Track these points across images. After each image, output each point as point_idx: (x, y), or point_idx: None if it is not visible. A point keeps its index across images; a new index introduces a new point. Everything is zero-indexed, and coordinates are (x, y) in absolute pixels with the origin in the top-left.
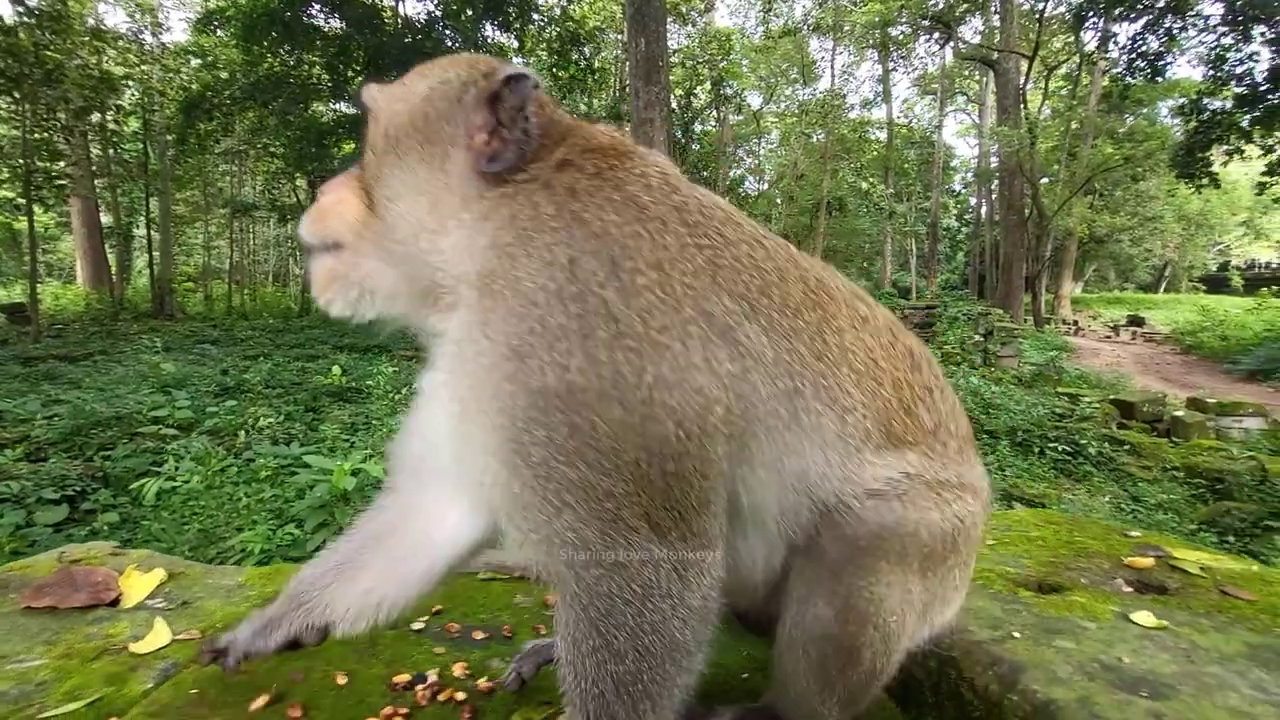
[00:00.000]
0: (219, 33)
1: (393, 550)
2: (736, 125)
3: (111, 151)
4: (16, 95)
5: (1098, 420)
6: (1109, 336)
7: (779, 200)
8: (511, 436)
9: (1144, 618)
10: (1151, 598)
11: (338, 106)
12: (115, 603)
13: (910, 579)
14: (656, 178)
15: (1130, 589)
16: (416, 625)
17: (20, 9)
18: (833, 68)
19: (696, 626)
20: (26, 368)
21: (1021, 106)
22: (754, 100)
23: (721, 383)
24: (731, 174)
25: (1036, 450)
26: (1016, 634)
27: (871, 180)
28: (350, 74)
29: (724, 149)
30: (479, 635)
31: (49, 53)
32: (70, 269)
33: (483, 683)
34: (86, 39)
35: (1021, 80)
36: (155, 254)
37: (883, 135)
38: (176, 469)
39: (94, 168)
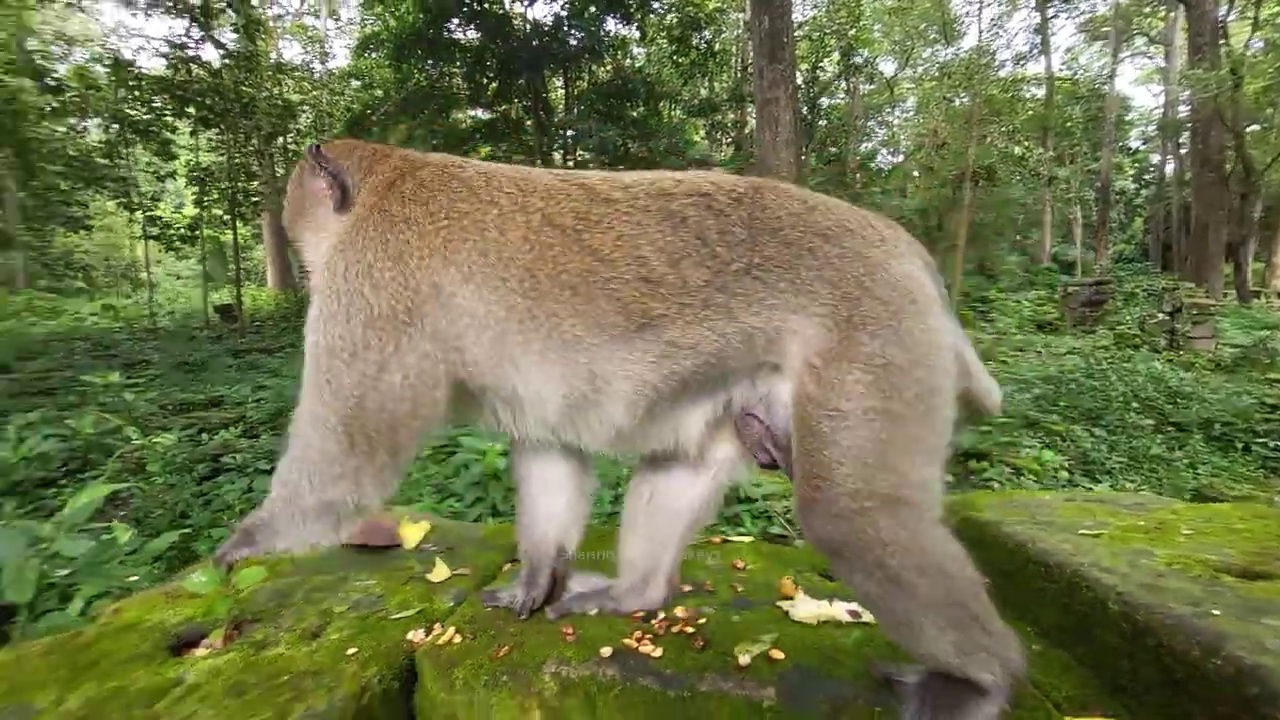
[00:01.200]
0: (374, 55)
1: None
2: (868, 95)
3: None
4: (222, 127)
5: None
6: None
7: (915, 173)
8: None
9: None
10: None
11: (474, 113)
12: (399, 546)
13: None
14: (420, 184)
15: None
16: None
17: (222, 53)
18: (979, 22)
19: None
20: (236, 359)
21: (1221, 42)
22: (887, 67)
23: (443, 345)
24: (862, 148)
25: (1240, 446)
26: (1218, 611)
27: (1026, 144)
28: (485, 80)
29: (854, 122)
30: (686, 588)
31: (244, 88)
32: (262, 274)
33: (702, 621)
34: (271, 73)
35: (1222, 11)
36: None
37: (1040, 92)
38: None
39: (279, 185)
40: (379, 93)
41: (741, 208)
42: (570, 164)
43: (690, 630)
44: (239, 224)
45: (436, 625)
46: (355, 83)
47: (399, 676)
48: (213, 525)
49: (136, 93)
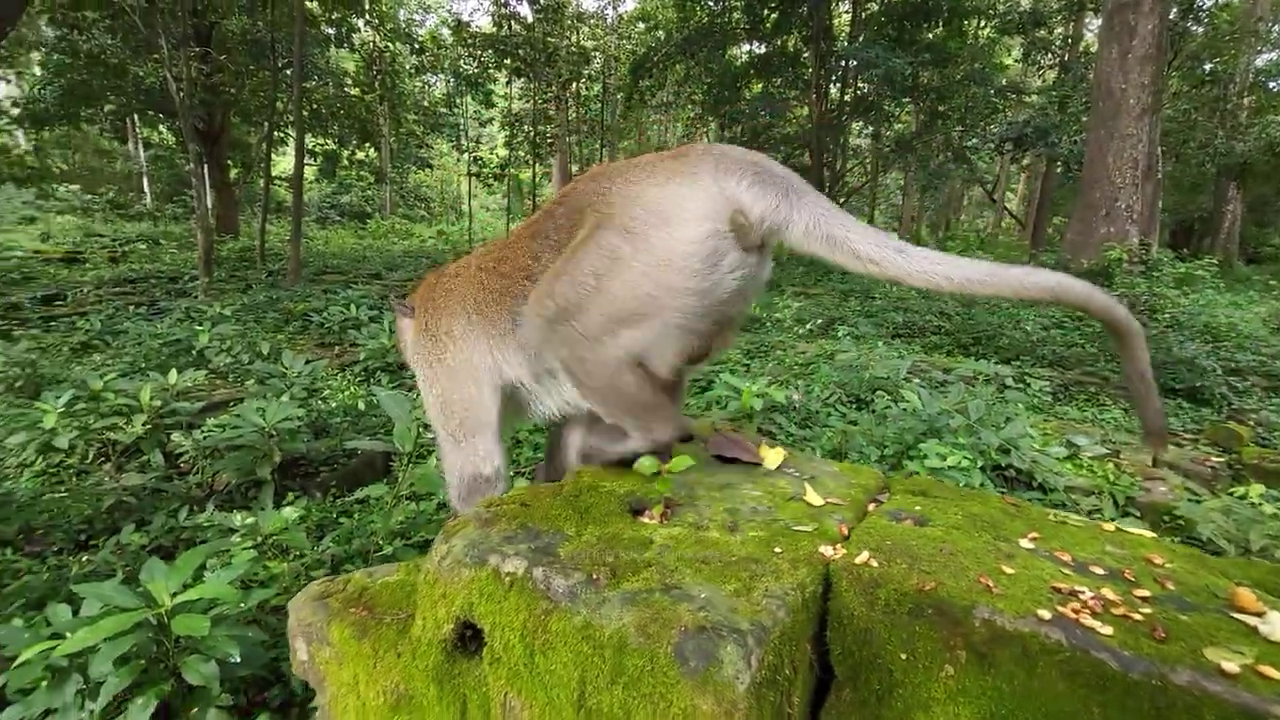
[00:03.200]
0: None
1: None
2: None
3: (581, 112)
4: (530, 75)
5: None
6: None
7: None
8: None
9: None
10: None
11: (750, 48)
12: (759, 465)
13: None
14: (431, 287)
15: None
16: (1025, 544)
17: (536, 7)
18: None
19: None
20: None
21: None
22: None
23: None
24: (1259, 61)
25: None
26: None
27: None
28: (766, 12)
29: (1252, 25)
30: (1098, 570)
31: (549, 38)
32: None
33: (1148, 611)
34: (571, 22)
35: None
36: None
37: None
38: None
39: (569, 128)
40: (660, 34)
41: (559, 204)
42: (847, 97)
43: (1137, 617)
44: (536, 164)
45: (839, 546)
46: (641, 25)
47: (819, 582)
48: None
49: (469, 49)
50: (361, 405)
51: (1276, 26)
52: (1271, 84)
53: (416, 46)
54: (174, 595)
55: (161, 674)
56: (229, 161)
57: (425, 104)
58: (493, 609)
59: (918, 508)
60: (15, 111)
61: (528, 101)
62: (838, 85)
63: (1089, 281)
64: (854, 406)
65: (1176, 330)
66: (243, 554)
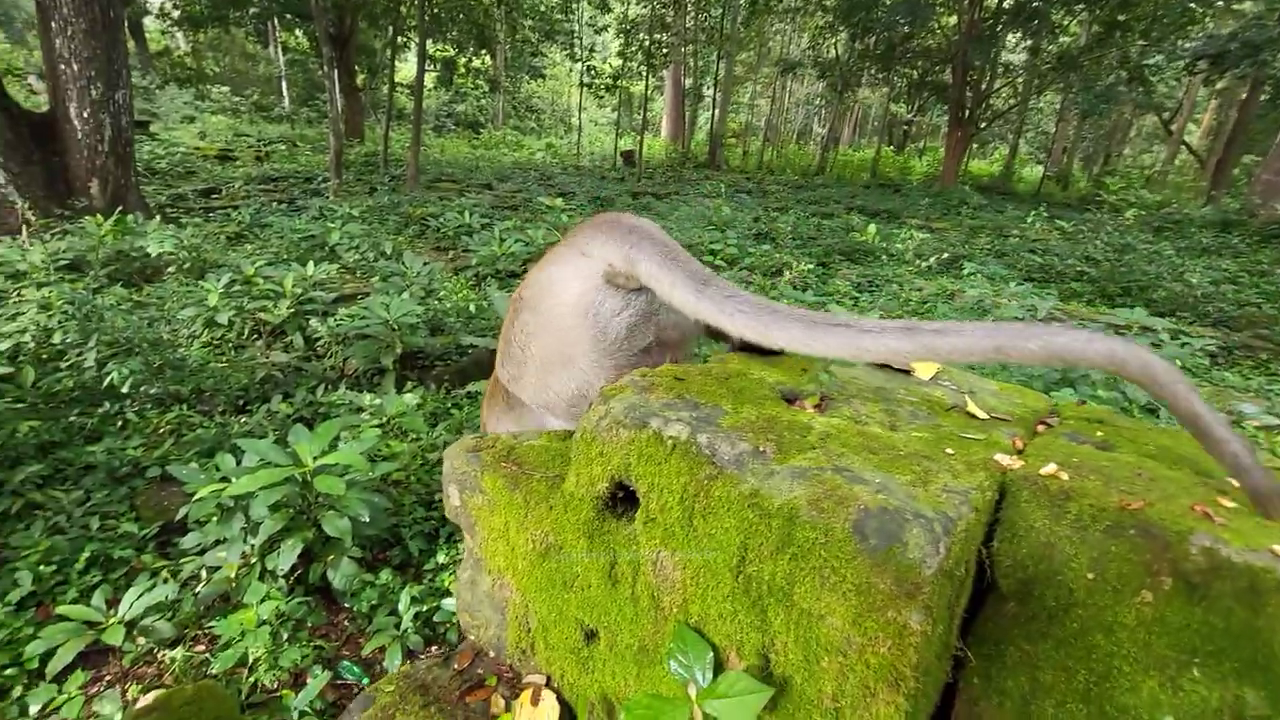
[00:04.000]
0: None
1: None
2: None
3: (701, 19)
4: None
5: None
6: None
7: None
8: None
9: None
10: None
11: None
12: (910, 373)
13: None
14: None
15: None
16: (1236, 483)
17: None
18: None
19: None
20: (634, 200)
21: None
22: None
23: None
24: None
25: None
26: None
27: None
28: None
29: None
30: None
31: None
32: (659, 124)
33: None
34: None
35: None
36: (715, 112)
37: None
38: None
39: (687, 37)
40: None
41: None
42: (1006, 4)
43: None
44: (649, 76)
45: (1016, 458)
46: None
47: (995, 488)
48: None
49: None
50: (473, 308)
51: None
52: None
53: None
54: (315, 458)
55: (305, 524)
56: (356, 67)
57: (541, 8)
58: (651, 470)
59: (1098, 434)
60: (176, 14)
61: (645, 6)
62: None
63: None
64: None
65: None
66: (370, 430)
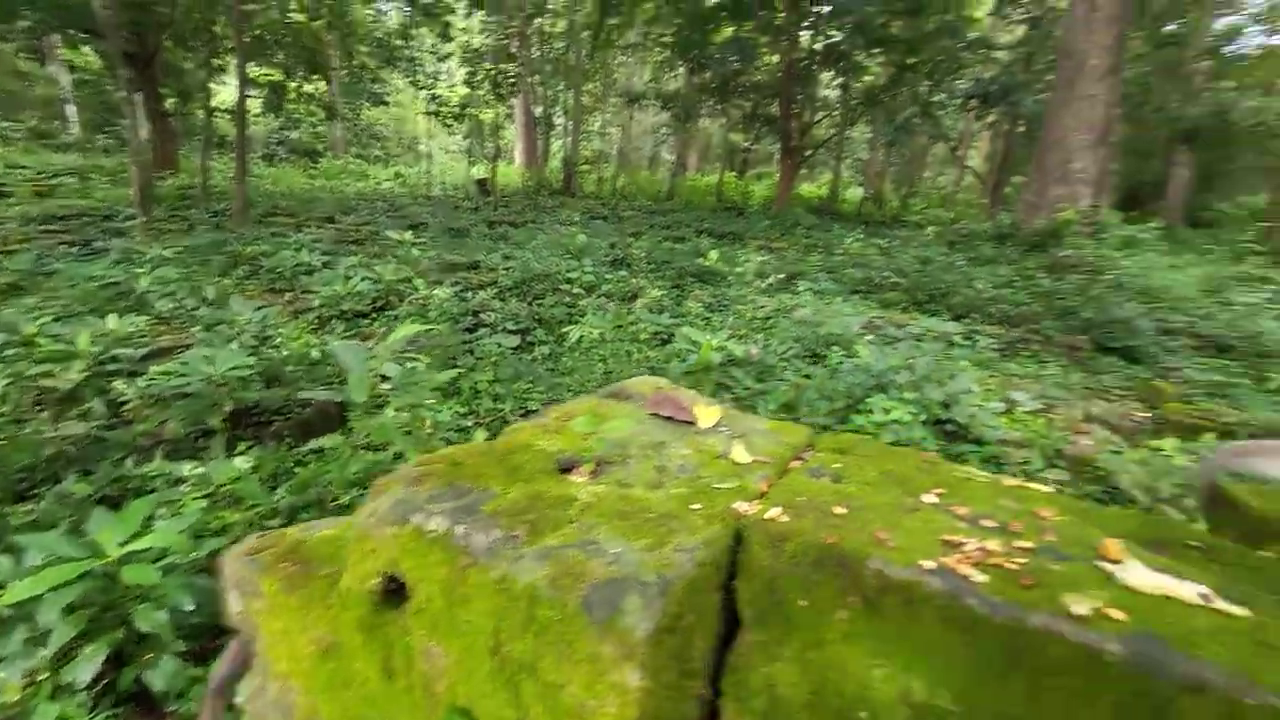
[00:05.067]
0: None
1: None
2: None
3: (544, 51)
4: (491, 8)
5: None
6: None
7: None
8: None
9: None
10: None
11: None
12: (694, 424)
13: None
14: None
15: None
16: (928, 500)
17: None
18: None
19: None
20: (490, 229)
21: None
22: None
23: None
24: (1218, 24)
25: None
26: None
27: None
28: None
29: None
30: (989, 524)
31: None
32: (511, 152)
33: (1023, 561)
34: None
35: None
36: (567, 140)
37: None
38: (587, 321)
39: (532, 67)
40: None
41: None
42: (818, 46)
43: (1013, 567)
44: (497, 104)
45: (756, 501)
46: None
47: (733, 536)
48: (473, 369)
49: None
50: (315, 354)
51: None
52: (1227, 49)
53: None
54: (122, 545)
55: (112, 622)
56: (164, 90)
57: (378, 35)
58: (416, 564)
59: (836, 465)
60: None
61: (489, 36)
62: (809, 32)
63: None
64: (810, 361)
65: (1117, 291)
66: (193, 503)
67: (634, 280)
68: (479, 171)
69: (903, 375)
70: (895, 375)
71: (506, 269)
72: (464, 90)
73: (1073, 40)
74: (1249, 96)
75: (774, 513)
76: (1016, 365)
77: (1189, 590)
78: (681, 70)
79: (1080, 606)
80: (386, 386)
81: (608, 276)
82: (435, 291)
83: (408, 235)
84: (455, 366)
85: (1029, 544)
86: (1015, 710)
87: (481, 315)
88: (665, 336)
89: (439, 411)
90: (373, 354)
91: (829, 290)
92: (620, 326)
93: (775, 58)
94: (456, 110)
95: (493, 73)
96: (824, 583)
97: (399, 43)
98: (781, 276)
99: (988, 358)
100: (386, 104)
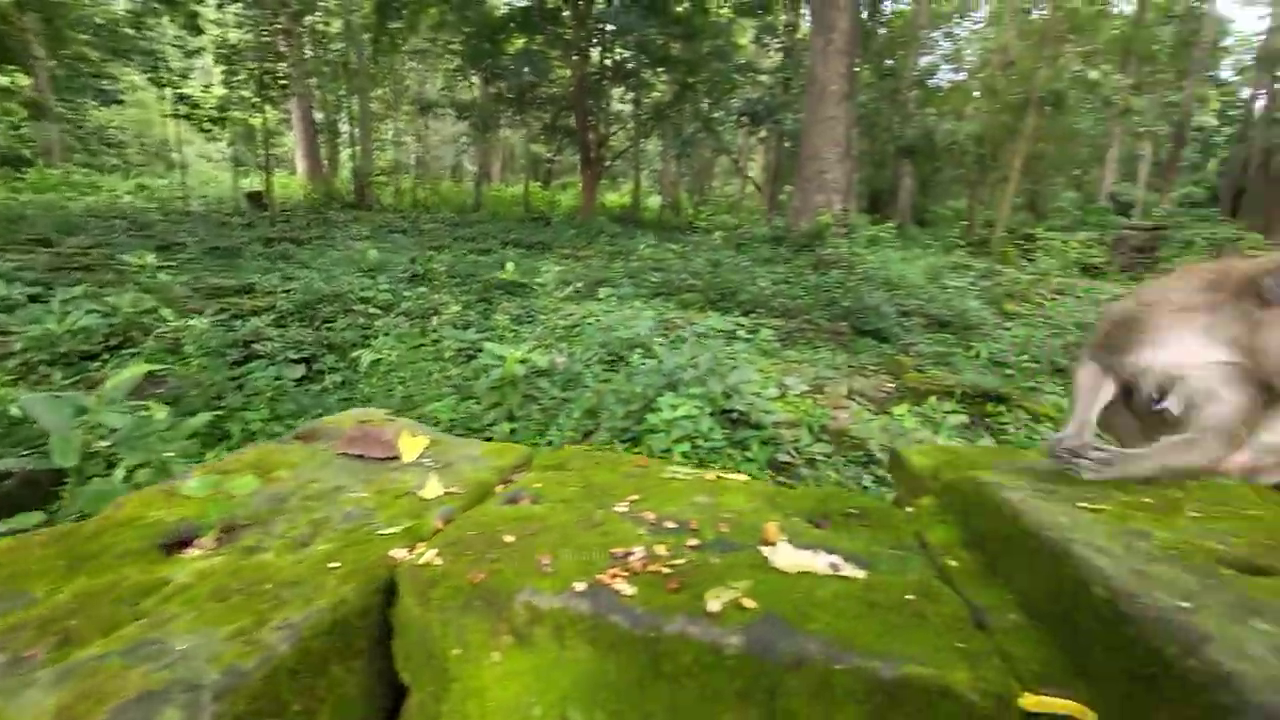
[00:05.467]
0: None
1: None
2: (937, 3)
3: (320, 52)
4: (248, 0)
5: None
6: None
7: (976, 94)
8: None
9: None
10: None
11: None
12: (397, 458)
13: None
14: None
15: None
16: (620, 509)
17: None
18: None
19: None
20: (267, 247)
21: None
22: None
23: None
24: (922, 62)
25: None
26: (1208, 608)
27: (1104, 68)
28: None
29: (917, 33)
30: (670, 525)
31: None
32: (292, 161)
33: (681, 561)
34: None
35: None
36: (356, 149)
37: (1129, 8)
38: (382, 343)
39: (307, 69)
40: None
41: None
42: (607, 63)
43: (667, 571)
44: (267, 108)
45: (421, 544)
46: None
47: (377, 592)
48: (244, 408)
49: None
50: (15, 410)
51: (934, 34)
52: (930, 81)
53: None
54: None
55: None
56: None
57: (100, 21)
58: None
59: (538, 485)
60: None
61: (249, 32)
62: (599, 49)
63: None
64: (611, 366)
65: (867, 282)
66: None
67: (436, 296)
68: (251, 183)
69: (690, 372)
70: (683, 373)
71: (287, 291)
72: (223, 91)
73: (816, 68)
74: (945, 120)
75: (429, 556)
76: (795, 352)
77: (822, 561)
78: (476, 79)
79: (715, 603)
80: (105, 443)
81: (407, 294)
82: (192, 322)
83: (150, 258)
84: (218, 407)
85: (701, 540)
86: (660, 718)
87: (255, 345)
88: (471, 353)
89: (198, 462)
90: (92, 406)
91: (631, 295)
92: (420, 346)
93: (568, 71)
94: (214, 114)
95: (258, 72)
96: (473, 625)
97: (130, 31)
98: (580, 286)
99: (772, 348)
100: (121, 103)
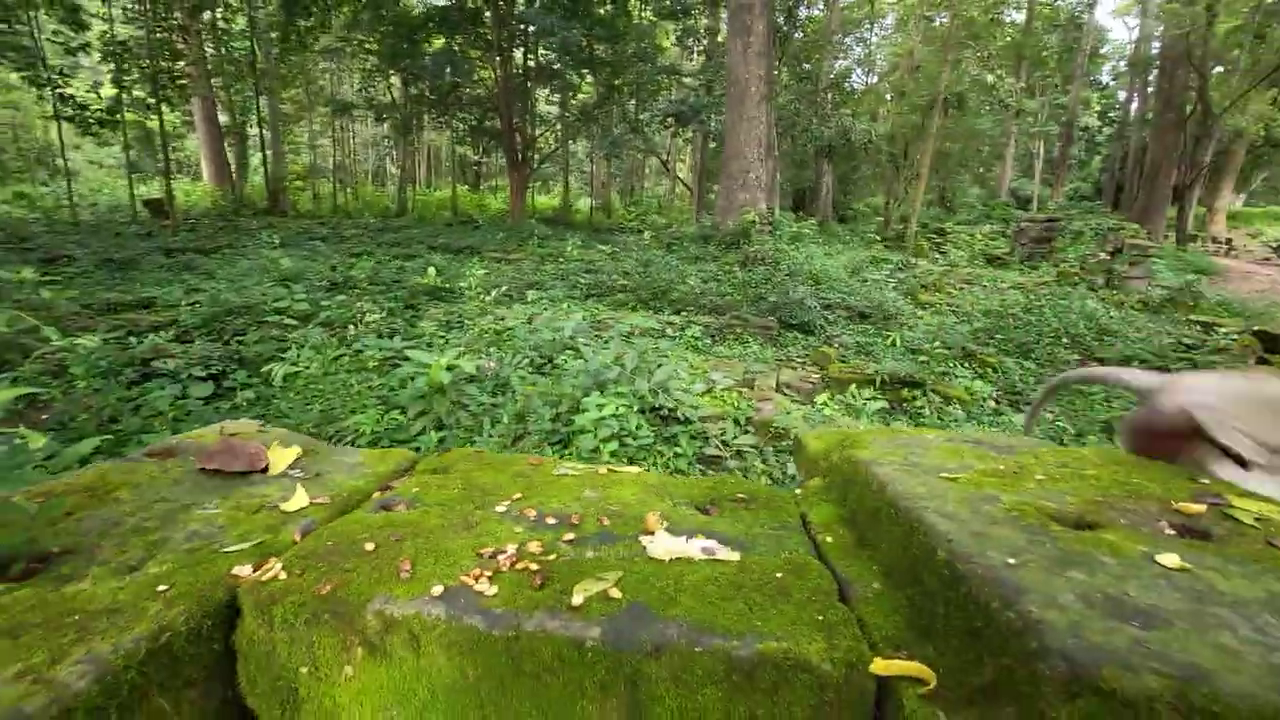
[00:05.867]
0: None
1: None
2: (847, 9)
3: (223, 50)
4: None
5: (1234, 353)
6: (1268, 259)
7: (888, 96)
8: None
9: (1169, 559)
10: (1187, 542)
11: None
12: (265, 470)
13: None
14: None
15: (1172, 532)
16: (500, 508)
17: None
18: None
19: None
20: (168, 258)
21: None
22: None
23: None
24: (837, 66)
25: None
26: (1032, 562)
27: (999, 72)
28: None
29: (830, 38)
30: (551, 520)
31: None
32: (196, 166)
33: (552, 557)
34: None
35: None
36: (267, 153)
37: (1020, 17)
38: (298, 356)
39: (209, 67)
40: None
41: None
42: (531, 64)
43: (535, 567)
44: (165, 109)
45: (271, 559)
46: None
47: (213, 615)
48: (143, 431)
49: None
50: None
51: (847, 39)
52: (844, 84)
53: None
54: None
55: None
56: None
57: None
58: None
59: (416, 489)
60: None
61: (140, 28)
62: (521, 50)
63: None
64: (539, 369)
65: (792, 278)
66: None
67: (358, 304)
68: (153, 190)
69: (614, 371)
70: (609, 372)
71: (192, 304)
72: (113, 91)
73: (736, 70)
74: (860, 121)
75: (272, 572)
76: (725, 348)
77: (697, 547)
78: (395, 80)
79: (579, 596)
80: None
81: (325, 303)
82: (80, 341)
83: (27, 273)
84: (112, 431)
85: (579, 534)
86: (524, 718)
87: (155, 363)
88: (397, 361)
89: None
90: None
91: (562, 297)
92: (340, 357)
93: (491, 73)
94: (103, 115)
95: (151, 71)
96: (322, 641)
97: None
98: (517, 287)
99: (702, 344)
100: None
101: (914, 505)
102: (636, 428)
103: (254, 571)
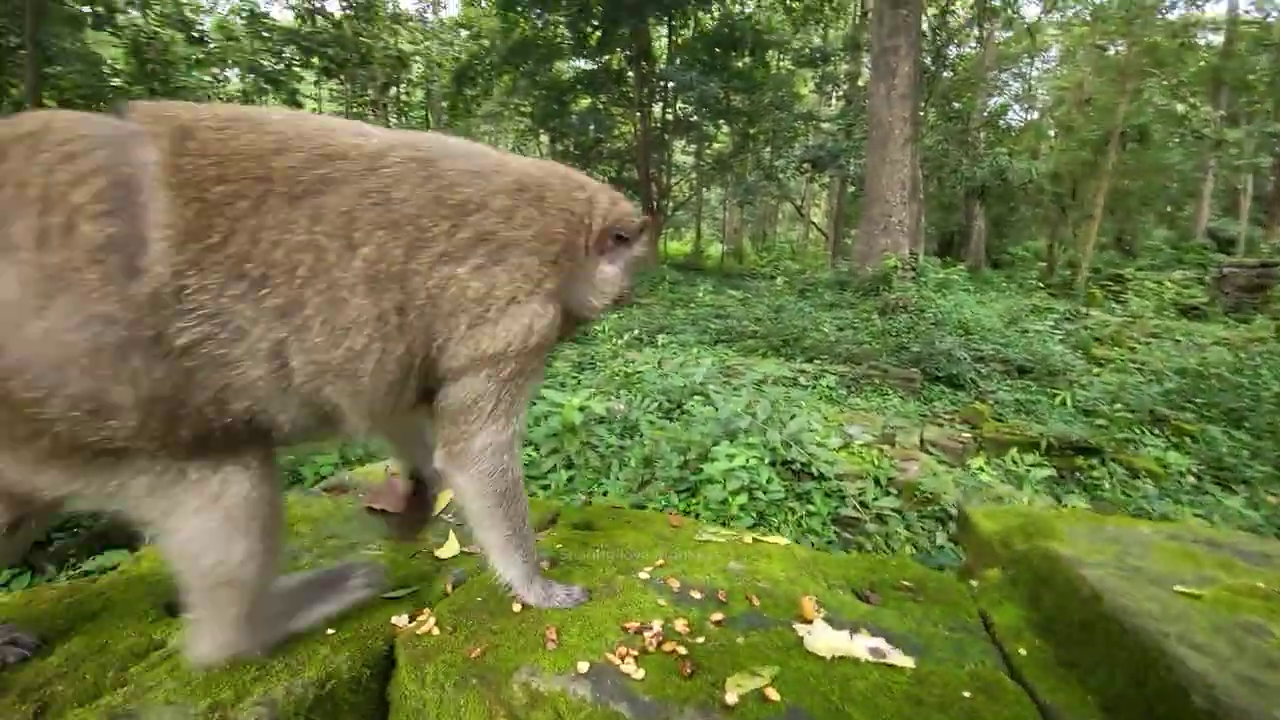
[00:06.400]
0: (482, 4)
1: None
2: (1003, 44)
3: (403, 120)
4: (342, 77)
5: None
6: None
7: (1052, 132)
8: None
9: None
10: None
11: (577, 63)
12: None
13: None
14: None
15: None
16: (643, 575)
17: (344, 3)
18: None
19: None
20: None
21: None
22: (1030, 10)
23: None
24: (992, 103)
25: None
26: None
27: (1192, 101)
28: (589, 29)
29: (984, 74)
30: (696, 595)
31: (362, 39)
32: None
33: (701, 640)
34: (387, 23)
35: None
36: None
37: (1217, 39)
38: None
39: None
40: (485, 42)
41: None
42: (669, 117)
43: (683, 651)
44: None
45: (425, 610)
46: (464, 32)
47: (372, 664)
48: (315, 452)
49: (268, 43)
50: None
51: (1003, 75)
52: (1000, 122)
53: (196, 35)
54: None
55: None
56: None
57: (219, 100)
58: None
59: (559, 546)
60: None
61: (342, 105)
62: (660, 105)
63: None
64: (668, 414)
65: (938, 327)
66: None
67: None
68: None
69: (746, 420)
70: (740, 421)
71: None
72: None
73: (878, 113)
74: (1020, 160)
75: (427, 625)
76: (861, 400)
77: (862, 646)
78: (544, 138)
79: (734, 694)
80: None
81: None
82: None
83: None
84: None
85: (727, 614)
86: None
87: None
88: (531, 400)
89: None
90: None
91: (692, 341)
92: None
93: (631, 128)
94: None
95: None
96: (469, 705)
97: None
98: (648, 331)
99: (836, 395)
100: None
101: (1148, 626)
102: (767, 481)
103: (410, 622)
